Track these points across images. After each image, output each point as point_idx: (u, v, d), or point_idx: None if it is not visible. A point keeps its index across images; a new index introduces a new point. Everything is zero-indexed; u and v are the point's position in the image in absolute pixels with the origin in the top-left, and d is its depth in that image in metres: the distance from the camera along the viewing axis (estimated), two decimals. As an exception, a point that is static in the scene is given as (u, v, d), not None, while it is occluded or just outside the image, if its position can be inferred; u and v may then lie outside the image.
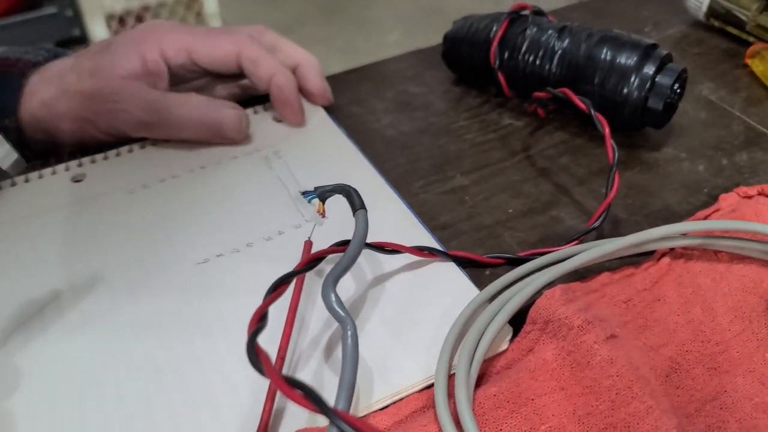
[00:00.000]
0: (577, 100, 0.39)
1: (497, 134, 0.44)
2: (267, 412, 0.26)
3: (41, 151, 0.41)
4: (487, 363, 0.29)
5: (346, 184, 0.31)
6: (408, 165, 0.41)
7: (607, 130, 0.37)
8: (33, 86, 0.40)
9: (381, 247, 0.32)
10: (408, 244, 0.32)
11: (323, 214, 0.31)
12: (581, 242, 0.34)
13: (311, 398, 0.19)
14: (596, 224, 0.35)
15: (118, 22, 1.62)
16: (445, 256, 0.33)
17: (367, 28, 2.20)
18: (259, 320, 0.23)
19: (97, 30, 1.58)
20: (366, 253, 0.32)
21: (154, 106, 0.39)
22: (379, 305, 0.31)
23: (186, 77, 0.42)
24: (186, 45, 0.40)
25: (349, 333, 0.26)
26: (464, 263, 0.33)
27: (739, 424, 0.27)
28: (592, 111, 0.38)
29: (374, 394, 0.28)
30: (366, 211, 0.30)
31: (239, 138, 0.41)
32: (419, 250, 0.32)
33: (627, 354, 0.28)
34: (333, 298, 0.27)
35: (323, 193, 0.30)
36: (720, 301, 0.32)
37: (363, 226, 0.29)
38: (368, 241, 0.30)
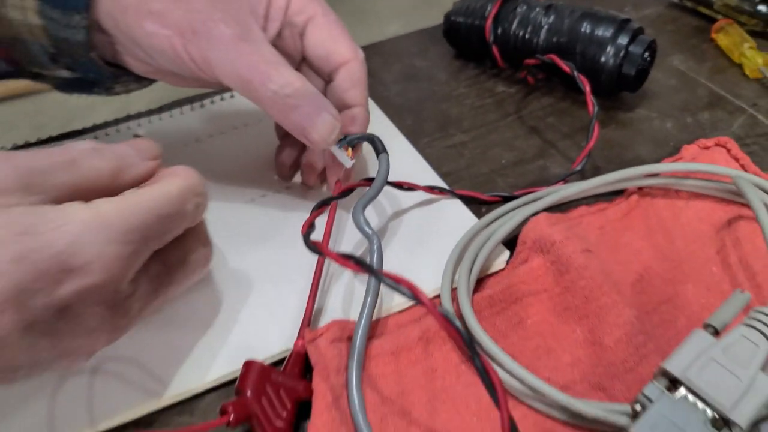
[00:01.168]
0: (562, 64, 0.45)
1: (492, 99, 0.50)
2: (309, 308, 0.33)
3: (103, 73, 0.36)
4: (486, 278, 0.36)
5: (370, 133, 0.37)
6: (415, 126, 0.47)
7: (587, 88, 0.44)
8: None
9: (400, 186, 0.38)
10: (421, 185, 0.39)
11: (352, 157, 0.37)
12: (566, 183, 0.41)
13: (359, 263, 0.26)
14: (578, 168, 0.41)
15: None
16: (451, 194, 0.40)
17: (367, 20, 2.25)
18: (309, 227, 0.30)
19: None
20: (387, 190, 0.39)
21: (247, 71, 0.32)
22: (397, 232, 0.38)
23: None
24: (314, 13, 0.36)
25: (375, 246, 0.33)
26: (467, 200, 0.40)
27: (687, 319, 0.34)
28: (575, 72, 0.44)
29: (393, 300, 0.34)
30: (387, 154, 0.36)
31: (322, 145, 0.34)
32: (431, 189, 0.39)
33: (599, 263, 0.35)
34: (362, 219, 0.33)
35: (351, 141, 0.36)
36: (678, 230, 0.39)
37: (385, 166, 0.36)
38: (389, 180, 0.37)
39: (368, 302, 0.32)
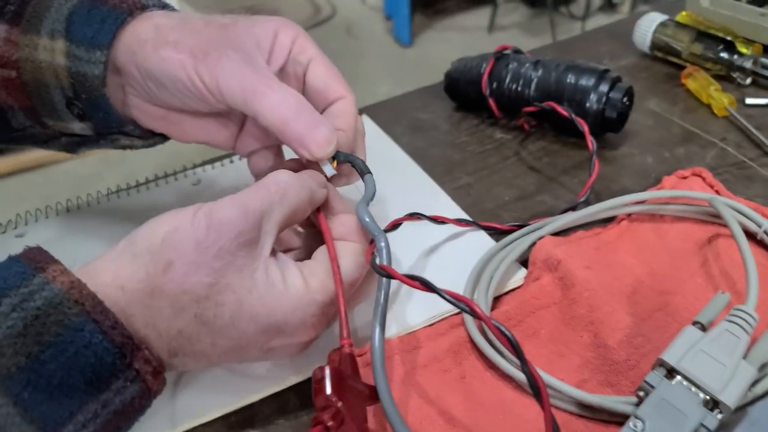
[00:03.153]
0: (561, 109, 0.51)
1: (492, 145, 0.56)
2: (343, 310, 0.33)
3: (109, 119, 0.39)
4: (501, 288, 0.41)
5: (356, 156, 0.38)
6: (425, 170, 0.53)
7: (586, 128, 0.50)
8: (143, 22, 0.36)
9: (434, 219, 0.43)
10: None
11: (336, 169, 0.37)
12: (576, 210, 0.46)
13: (425, 284, 0.30)
14: (583, 198, 0.47)
15: None
16: (476, 225, 0.45)
17: (359, 82, 2.36)
18: (372, 254, 0.33)
19: None
20: (421, 223, 0.43)
21: (251, 83, 0.35)
22: (426, 258, 0.44)
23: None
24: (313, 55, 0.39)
25: (383, 245, 0.33)
26: (489, 230, 0.45)
27: (678, 324, 0.39)
28: (573, 115, 0.51)
29: (420, 315, 0.39)
30: (372, 175, 0.38)
31: (319, 154, 0.36)
32: (458, 221, 0.45)
33: (598, 278, 0.40)
34: (367, 218, 0.34)
35: (339, 155, 0.37)
36: (664, 248, 0.44)
37: (371, 184, 0.37)
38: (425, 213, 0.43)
39: (380, 301, 0.34)
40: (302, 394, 0.36)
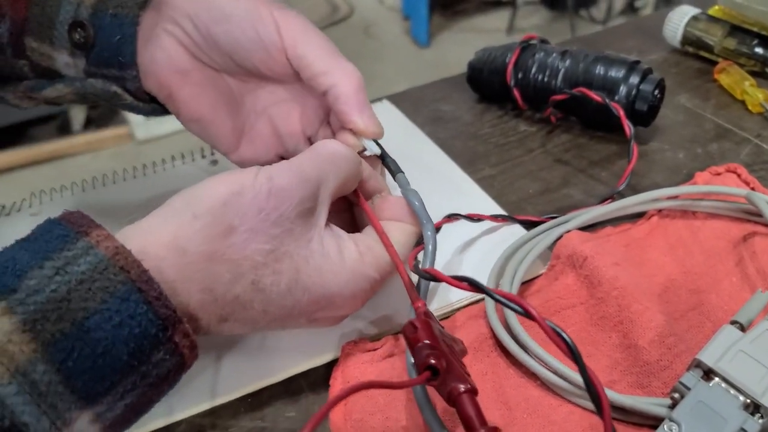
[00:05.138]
0: (593, 94, 0.49)
1: (516, 137, 0.54)
2: (405, 276, 0.33)
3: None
4: (525, 286, 0.39)
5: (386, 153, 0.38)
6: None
7: (621, 112, 0.48)
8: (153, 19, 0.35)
9: (470, 217, 0.42)
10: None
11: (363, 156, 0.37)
12: (613, 200, 0.44)
13: (473, 285, 0.29)
14: (623, 186, 0.45)
15: None
16: (512, 219, 0.43)
17: (376, 82, 2.35)
18: (415, 259, 0.33)
19: None
20: (459, 223, 0.43)
21: (329, 46, 0.36)
22: (465, 252, 0.42)
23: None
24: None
25: (429, 233, 0.34)
26: (524, 223, 0.44)
27: (713, 324, 0.37)
28: (606, 100, 0.48)
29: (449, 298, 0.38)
30: (404, 173, 0.38)
31: (376, 132, 0.36)
32: (494, 217, 0.43)
33: (628, 275, 0.38)
34: (417, 204, 0.35)
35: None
36: (697, 246, 0.42)
37: (405, 183, 0.37)
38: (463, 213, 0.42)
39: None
40: (310, 381, 0.35)
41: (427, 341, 0.27)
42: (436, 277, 0.31)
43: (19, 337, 0.23)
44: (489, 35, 2.72)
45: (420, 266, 0.33)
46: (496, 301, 0.28)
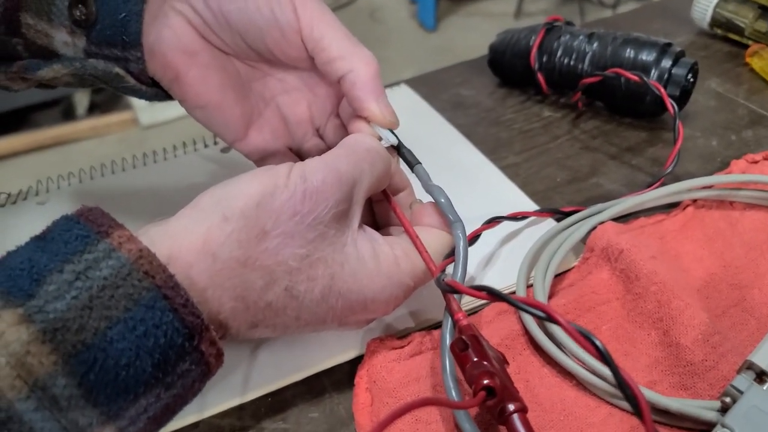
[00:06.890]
0: (629, 74, 0.47)
1: (540, 123, 0.52)
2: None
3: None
4: (556, 280, 0.37)
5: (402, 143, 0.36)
6: (468, 149, 0.49)
7: (663, 90, 0.46)
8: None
9: (513, 217, 0.40)
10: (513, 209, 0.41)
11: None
12: (663, 184, 0.42)
13: (492, 294, 0.27)
14: (670, 169, 0.43)
15: None
16: (558, 212, 0.41)
17: (382, 67, 2.30)
18: (441, 272, 0.31)
19: None
20: (477, 198, 0.41)
21: (348, 34, 0.34)
22: (493, 245, 0.40)
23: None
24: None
25: (459, 233, 0.32)
26: (559, 213, 0.41)
27: (758, 321, 0.35)
28: (645, 79, 0.46)
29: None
30: (422, 164, 0.35)
31: (392, 121, 0.35)
32: (540, 212, 0.41)
33: (666, 269, 0.36)
34: (444, 201, 0.33)
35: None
36: (736, 238, 0.40)
37: (424, 175, 0.35)
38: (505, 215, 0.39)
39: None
40: (334, 379, 0.34)
41: (477, 359, 0.26)
42: (456, 290, 0.29)
43: (38, 349, 0.21)
44: (497, 19, 2.67)
45: (443, 278, 0.31)
46: (518, 308, 0.27)
